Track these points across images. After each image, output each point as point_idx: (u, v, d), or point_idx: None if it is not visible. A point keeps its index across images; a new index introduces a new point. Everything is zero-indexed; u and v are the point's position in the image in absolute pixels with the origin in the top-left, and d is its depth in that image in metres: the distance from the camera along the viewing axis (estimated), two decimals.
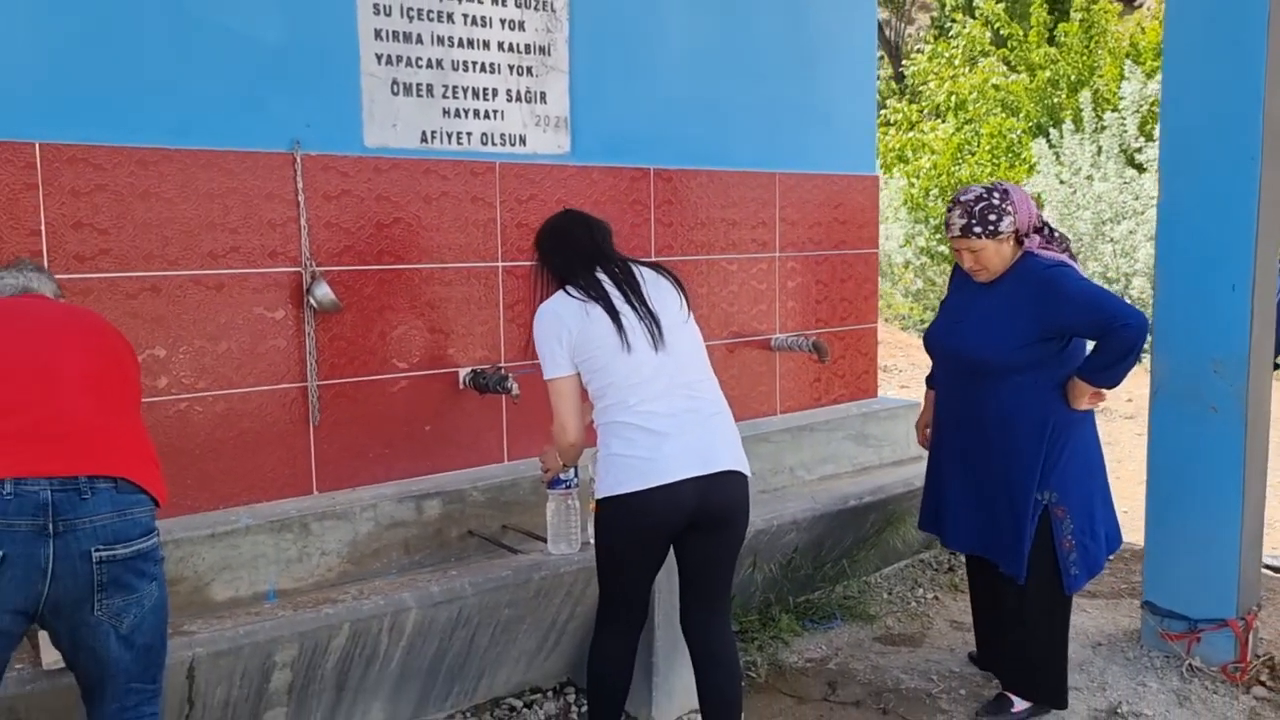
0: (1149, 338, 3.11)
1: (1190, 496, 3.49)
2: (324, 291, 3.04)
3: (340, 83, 3.10)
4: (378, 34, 3.14)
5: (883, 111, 17.92)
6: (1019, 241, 2.95)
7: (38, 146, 2.61)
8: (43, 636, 2.35)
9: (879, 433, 4.50)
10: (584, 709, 3.26)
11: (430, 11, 3.24)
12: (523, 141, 3.48)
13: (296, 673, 2.63)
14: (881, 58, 22.76)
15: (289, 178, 3.01)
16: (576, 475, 2.91)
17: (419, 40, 3.22)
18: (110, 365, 2.09)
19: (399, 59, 3.19)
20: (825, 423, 4.32)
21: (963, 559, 4.67)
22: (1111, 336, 2.81)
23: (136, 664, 2.01)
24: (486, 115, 3.39)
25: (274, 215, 3.00)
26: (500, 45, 3.40)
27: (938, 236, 15.02)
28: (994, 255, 2.92)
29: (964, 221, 2.90)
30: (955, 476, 3.13)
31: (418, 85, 3.24)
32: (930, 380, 3.33)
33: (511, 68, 3.43)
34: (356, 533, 3.14)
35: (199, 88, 2.85)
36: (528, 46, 3.46)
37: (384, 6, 3.15)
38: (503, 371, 3.35)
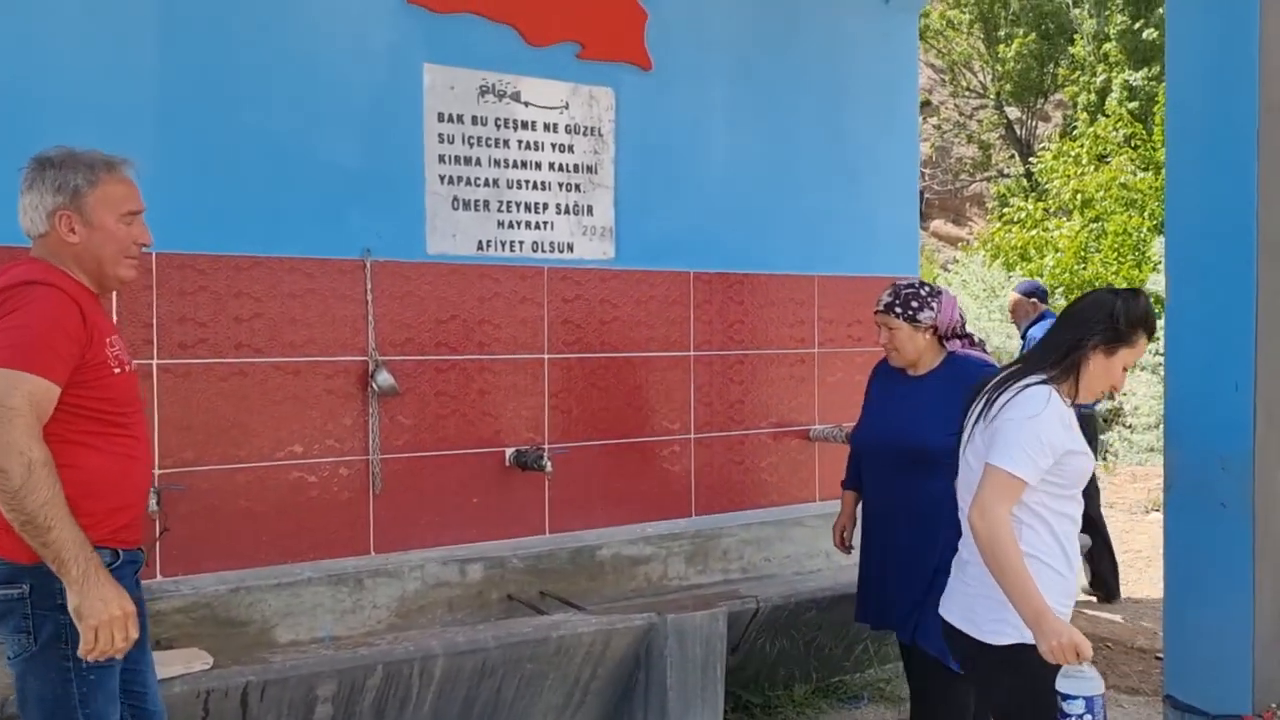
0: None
1: (1204, 591, 3.54)
2: (385, 378, 3.53)
3: (407, 199, 3.63)
4: (441, 158, 3.68)
5: (1006, 209, 17.95)
6: (940, 341, 3.13)
7: (154, 256, 3.21)
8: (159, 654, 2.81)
9: None
10: None
11: (489, 139, 3.77)
12: (570, 249, 3.94)
13: (337, 707, 3.01)
14: (1011, 156, 22.80)
15: (359, 280, 3.54)
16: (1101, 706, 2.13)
17: (478, 163, 3.75)
18: None
19: (459, 179, 3.72)
20: None
21: None
22: None
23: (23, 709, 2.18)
24: (537, 226, 3.87)
25: (346, 312, 3.53)
26: (551, 165, 3.90)
27: None
28: (906, 340, 3.10)
29: (889, 300, 3.11)
30: (900, 570, 3.10)
31: (476, 201, 3.75)
32: (847, 483, 3.43)
33: (561, 185, 3.92)
34: (405, 590, 3.56)
35: (286, 204, 3.41)
36: (576, 166, 3.95)
37: (448, 135, 3.69)
38: (540, 450, 3.75)
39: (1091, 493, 5.30)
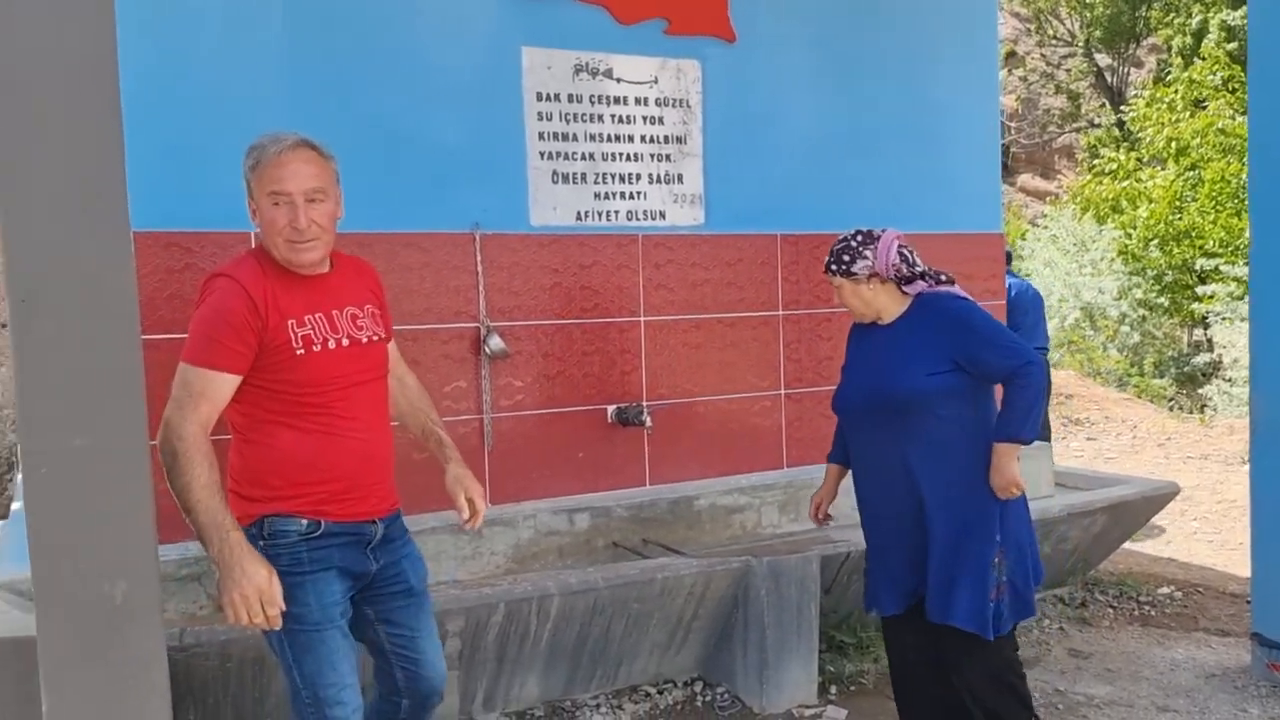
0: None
1: None
2: (496, 342, 3.81)
3: (511, 175, 3.88)
4: (540, 135, 3.92)
5: (1096, 161, 17.53)
6: (898, 287, 2.95)
7: None
8: None
9: None
10: (708, 698, 3.80)
11: (584, 115, 3.99)
12: (662, 216, 4.16)
13: (464, 641, 3.32)
14: (1101, 105, 22.18)
15: (470, 252, 3.81)
16: None
17: (574, 138, 3.98)
18: None
19: (558, 154, 3.95)
20: None
21: (1098, 595, 4.85)
22: (1020, 378, 2.76)
23: None
24: (631, 196, 4.10)
25: (458, 282, 3.81)
26: (643, 138, 4.11)
27: (1157, 288, 14.54)
28: (851, 295, 2.96)
29: (826, 260, 3.01)
30: (900, 541, 2.95)
31: (574, 174, 3.99)
32: (832, 456, 3.28)
33: (652, 155, 4.13)
34: (519, 538, 3.85)
35: (401, 184, 3.69)
36: (666, 137, 4.15)
37: (546, 113, 3.92)
38: (640, 407, 4.00)
39: None
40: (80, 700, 1.79)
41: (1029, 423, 2.80)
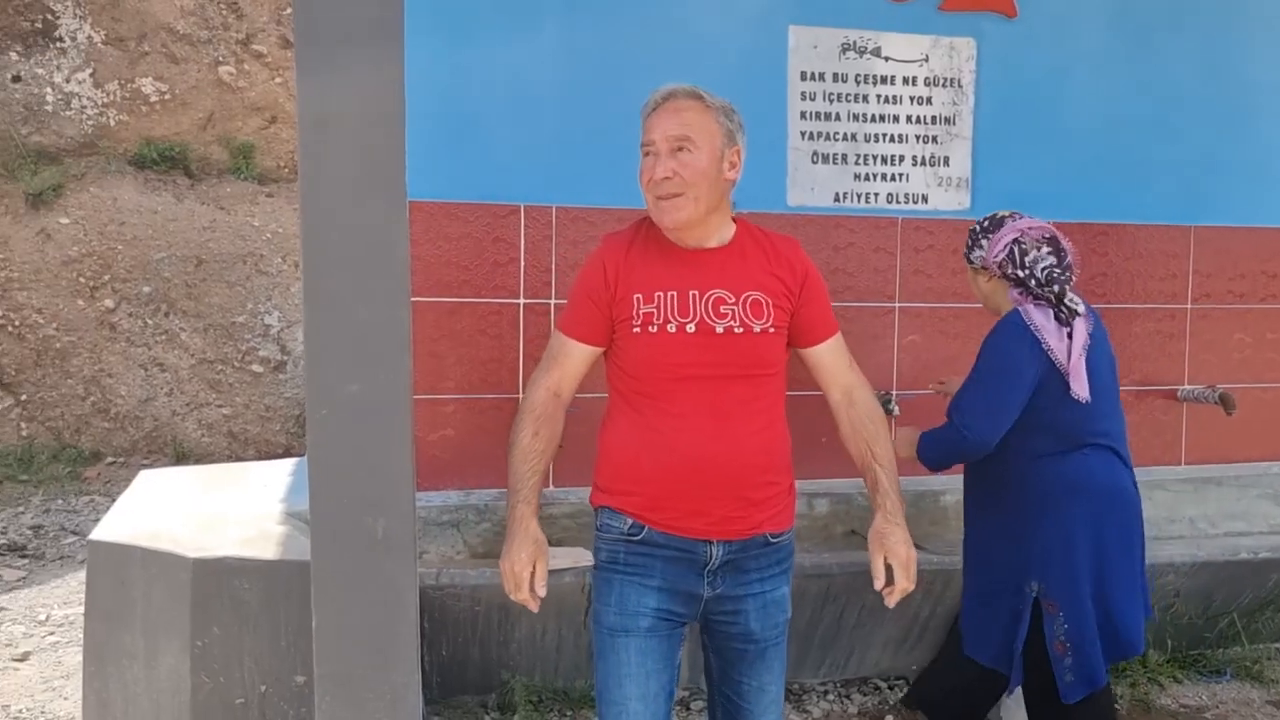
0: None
1: None
2: None
3: (771, 155, 3.87)
4: (803, 115, 3.89)
5: None
6: (1018, 288, 2.68)
7: (554, 209, 3.70)
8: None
9: None
10: None
11: (848, 95, 3.92)
12: (924, 200, 4.02)
13: None
14: None
15: None
16: None
17: (837, 118, 3.92)
18: None
19: (819, 134, 3.91)
20: (1236, 478, 4.24)
21: None
22: (949, 428, 2.68)
23: None
24: (892, 178, 3.98)
25: None
26: (908, 118, 3.98)
27: None
28: (971, 282, 2.86)
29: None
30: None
31: (834, 155, 3.93)
32: None
33: (918, 137, 3.99)
34: None
35: None
36: (934, 118, 4.00)
37: (809, 93, 3.88)
38: (889, 395, 3.90)
39: None
40: (342, 619, 1.99)
41: (931, 448, 2.77)
